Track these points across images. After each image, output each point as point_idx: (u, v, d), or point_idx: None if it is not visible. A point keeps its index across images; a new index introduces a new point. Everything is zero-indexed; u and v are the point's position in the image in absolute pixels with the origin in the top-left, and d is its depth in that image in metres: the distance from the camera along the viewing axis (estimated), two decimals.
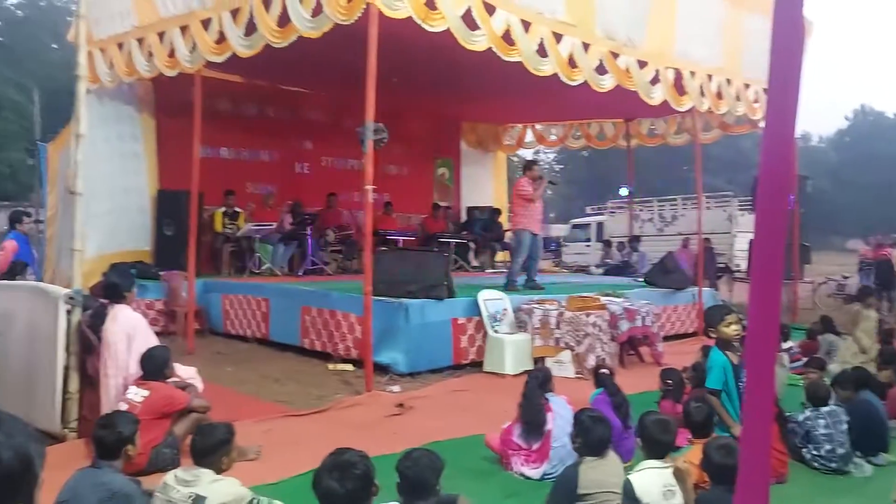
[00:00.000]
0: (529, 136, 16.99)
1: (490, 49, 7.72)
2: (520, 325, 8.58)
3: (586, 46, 8.57)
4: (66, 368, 5.15)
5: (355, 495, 2.59)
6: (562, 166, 56.69)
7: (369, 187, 6.93)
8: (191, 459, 3.40)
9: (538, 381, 5.10)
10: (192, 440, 3.45)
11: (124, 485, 3.15)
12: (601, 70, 8.82)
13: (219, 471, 3.24)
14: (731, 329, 4.59)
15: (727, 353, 4.59)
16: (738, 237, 18.46)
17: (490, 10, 7.51)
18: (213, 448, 3.27)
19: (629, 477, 3.51)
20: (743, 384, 4.40)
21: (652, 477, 3.50)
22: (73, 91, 6.03)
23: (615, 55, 8.95)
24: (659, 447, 3.66)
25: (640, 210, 21.25)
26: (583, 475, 3.59)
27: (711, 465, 3.54)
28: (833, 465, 5.08)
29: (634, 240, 15.75)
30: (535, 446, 4.80)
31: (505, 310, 8.62)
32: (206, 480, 3.12)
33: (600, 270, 15.64)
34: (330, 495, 2.60)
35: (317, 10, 7.09)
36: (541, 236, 10.38)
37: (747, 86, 11.01)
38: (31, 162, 30.14)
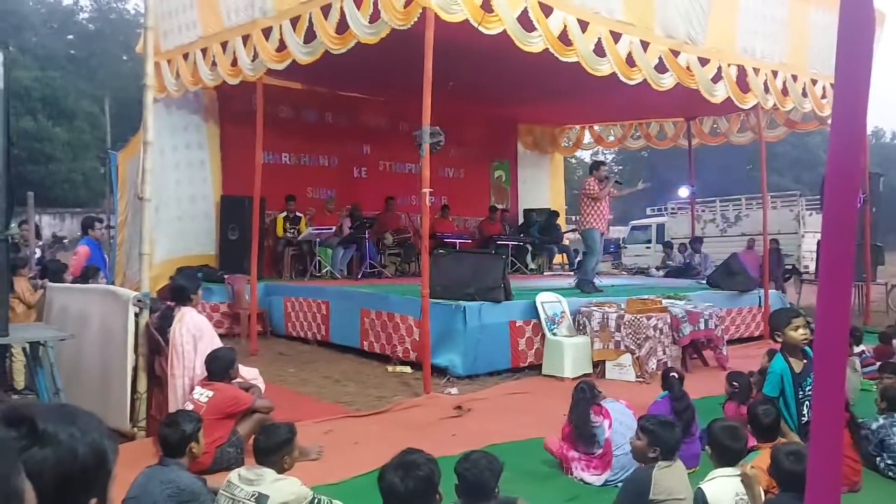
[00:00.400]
0: (588, 138, 16.83)
1: (547, 50, 7.66)
2: (579, 328, 8.49)
3: (645, 45, 8.44)
4: (135, 369, 5.32)
5: (415, 495, 2.59)
6: (621, 167, 55.94)
7: (426, 190, 6.96)
8: (254, 459, 3.46)
9: (584, 394, 5.02)
10: (255, 440, 3.52)
11: (190, 482, 3.24)
12: (661, 68, 8.67)
13: (281, 470, 3.30)
14: (798, 333, 4.41)
15: (790, 359, 4.43)
16: (807, 237, 17.85)
17: (547, 10, 7.46)
18: (275, 447, 3.33)
19: (701, 486, 3.42)
20: (804, 392, 4.26)
21: (724, 485, 3.41)
22: (142, 100, 6.22)
23: (675, 53, 8.79)
24: (729, 454, 3.56)
25: (703, 210, 20.80)
26: (656, 481, 3.51)
27: (781, 471, 3.41)
28: None
29: (696, 241, 15.40)
30: (597, 452, 4.73)
31: (563, 312, 8.54)
32: (268, 479, 3.18)
33: (661, 272, 15.35)
34: (391, 491, 2.62)
35: (374, 16, 7.17)
36: (605, 236, 10.29)
37: (814, 81, 10.67)
38: (102, 170, 31.34)
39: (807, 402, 4.27)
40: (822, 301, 1.35)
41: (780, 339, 4.47)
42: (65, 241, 23.52)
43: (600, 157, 12.80)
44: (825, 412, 1.38)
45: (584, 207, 9.91)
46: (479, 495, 2.93)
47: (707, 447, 3.62)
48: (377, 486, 2.74)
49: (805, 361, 4.33)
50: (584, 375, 7.67)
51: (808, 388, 4.26)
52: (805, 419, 4.28)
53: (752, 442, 4.28)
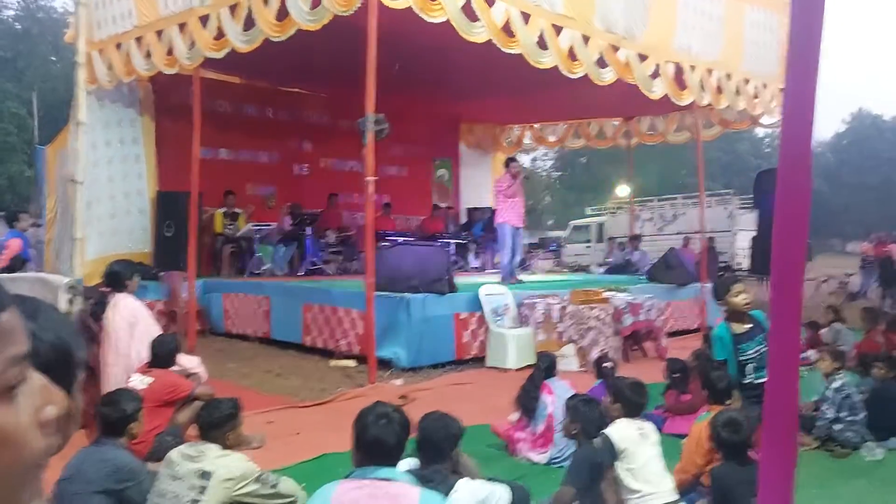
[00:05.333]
0: (528, 138, 17.01)
1: (489, 45, 7.70)
2: (522, 320, 8.55)
3: (586, 39, 8.56)
4: None
5: (393, 439, 2.56)
6: (560, 173, 56.59)
7: (371, 178, 6.90)
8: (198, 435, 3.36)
9: (544, 366, 5.07)
10: (198, 415, 3.40)
11: (129, 461, 3.11)
12: (601, 63, 8.81)
13: (225, 446, 3.19)
14: (740, 298, 4.48)
15: (732, 324, 4.53)
16: (739, 235, 18.40)
17: (490, 1, 7.50)
18: (219, 422, 3.22)
19: (605, 432, 3.65)
20: (746, 355, 4.39)
21: (626, 425, 3.69)
22: (73, 102, 5.97)
23: (615, 48, 8.95)
24: (635, 408, 3.83)
25: (641, 210, 21.24)
26: (614, 436, 3.63)
27: (720, 442, 3.54)
28: (855, 438, 5.13)
29: (635, 239, 15.72)
30: (539, 429, 4.77)
31: (507, 304, 8.59)
32: (212, 455, 3.07)
33: (601, 270, 15.61)
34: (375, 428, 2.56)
35: (316, 2, 7.08)
36: (521, 230, 10.39)
37: (747, 80, 11.00)
38: (28, 173, 30.08)
39: (750, 364, 4.38)
40: (776, 290, 1.38)
41: (725, 309, 4.56)
42: None
43: (514, 155, 12.86)
44: (780, 396, 1.40)
45: (498, 203, 10.08)
46: (434, 456, 2.90)
47: (618, 404, 3.80)
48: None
49: (750, 326, 4.42)
50: (528, 367, 7.70)
51: (750, 350, 4.38)
52: (748, 380, 4.39)
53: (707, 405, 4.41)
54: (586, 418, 3.67)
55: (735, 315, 4.47)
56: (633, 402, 3.81)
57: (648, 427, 3.76)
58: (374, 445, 2.51)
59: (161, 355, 4.64)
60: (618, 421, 3.71)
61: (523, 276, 11.08)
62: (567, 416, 3.78)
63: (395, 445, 2.55)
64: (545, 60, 8.16)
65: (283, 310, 9.24)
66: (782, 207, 1.38)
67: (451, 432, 2.96)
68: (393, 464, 2.56)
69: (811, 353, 7.75)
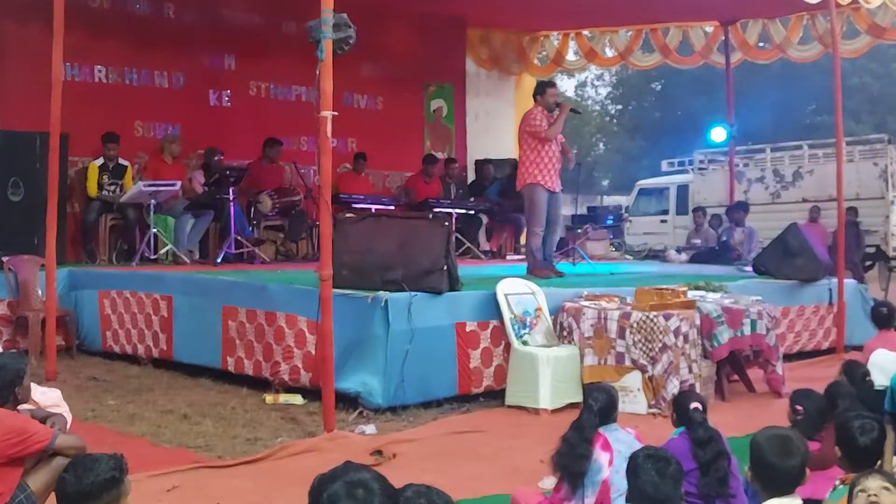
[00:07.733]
0: (573, 51, 16.96)
1: None
2: (562, 334, 8.58)
3: None
4: None
5: None
6: (619, 106, 56.53)
7: (327, 114, 6.88)
8: None
9: (598, 407, 5.07)
10: (60, 481, 3.40)
11: None
12: None
13: None
14: None
15: None
16: None
17: None
18: (93, 490, 3.22)
19: None
20: None
21: None
22: None
23: None
24: (780, 478, 3.63)
25: (746, 165, 21.15)
26: None
27: None
28: None
29: (737, 209, 15.71)
30: (589, 502, 4.79)
31: (538, 309, 8.61)
32: None
33: (684, 256, 15.62)
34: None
35: None
36: (560, 194, 10.53)
37: None
38: None
39: None
40: None
41: None
42: None
43: (551, 80, 12.74)
44: None
45: (526, 153, 10.19)
46: None
47: (748, 470, 3.69)
48: None
49: None
50: (572, 406, 7.74)
51: None
52: None
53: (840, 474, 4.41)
54: (646, 484, 3.67)
55: None
56: (775, 467, 3.62)
57: None
58: None
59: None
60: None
61: (563, 266, 11.11)
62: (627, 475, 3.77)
63: None
64: None
65: (193, 316, 9.30)
66: None
67: None
68: None
69: None
